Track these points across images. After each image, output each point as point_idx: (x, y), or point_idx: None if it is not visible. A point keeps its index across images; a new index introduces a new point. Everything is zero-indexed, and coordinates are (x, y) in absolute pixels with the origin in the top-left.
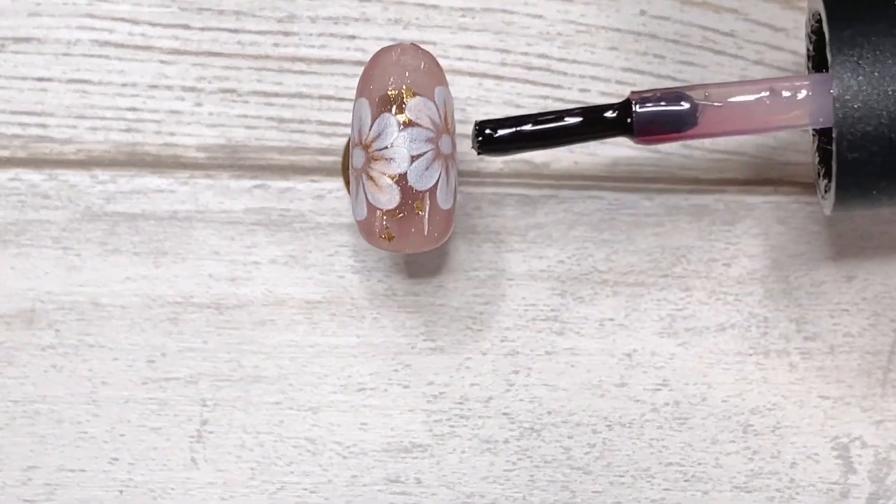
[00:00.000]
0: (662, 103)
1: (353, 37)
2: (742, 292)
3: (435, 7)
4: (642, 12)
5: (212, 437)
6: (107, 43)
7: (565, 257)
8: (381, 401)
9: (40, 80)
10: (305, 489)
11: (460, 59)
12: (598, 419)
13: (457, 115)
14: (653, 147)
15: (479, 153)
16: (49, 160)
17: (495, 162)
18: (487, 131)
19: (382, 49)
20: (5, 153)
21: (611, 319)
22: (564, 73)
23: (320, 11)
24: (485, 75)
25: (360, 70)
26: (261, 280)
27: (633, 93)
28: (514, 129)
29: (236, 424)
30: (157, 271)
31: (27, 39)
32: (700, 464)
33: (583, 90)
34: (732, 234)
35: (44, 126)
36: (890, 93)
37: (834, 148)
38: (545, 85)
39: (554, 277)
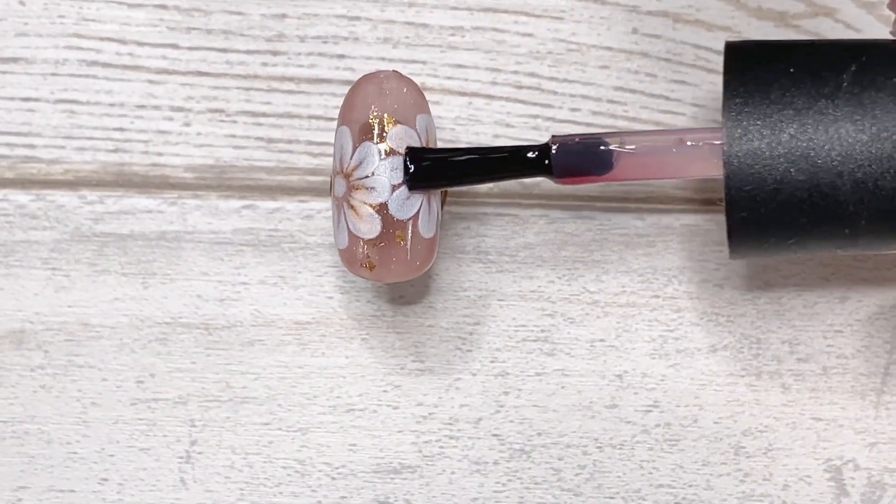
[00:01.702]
0: (579, 148)
1: (342, 56)
2: (734, 313)
3: (425, 26)
4: (634, 30)
5: (201, 457)
6: (94, 63)
7: (556, 277)
8: (371, 422)
9: (27, 100)
10: None
11: (450, 78)
12: (589, 440)
13: (447, 135)
14: None
15: (409, 189)
16: (37, 181)
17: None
18: (413, 166)
19: (364, 76)
20: None
21: (601, 340)
22: (555, 93)
23: (309, 31)
24: (475, 94)
25: (348, 90)
26: (249, 300)
27: (553, 136)
28: (440, 164)
29: (225, 445)
30: (145, 292)
31: (14, 59)
32: (691, 486)
33: (573, 109)
34: (724, 255)
35: (31, 146)
36: (776, 158)
37: (725, 205)
38: (535, 104)
39: (544, 298)
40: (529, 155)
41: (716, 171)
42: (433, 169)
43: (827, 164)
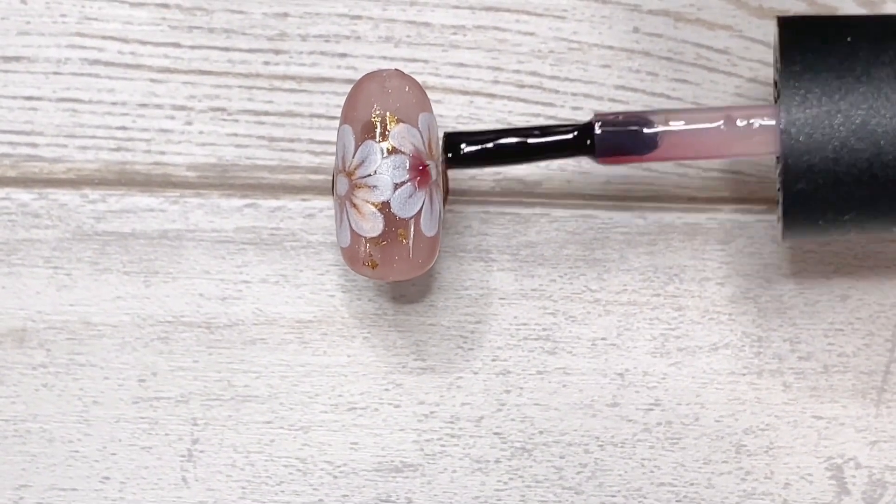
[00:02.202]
0: (624, 126)
1: (344, 55)
2: (735, 311)
3: (426, 25)
4: (635, 29)
5: (202, 456)
6: (97, 61)
7: (557, 276)
8: (372, 420)
9: (30, 98)
10: None
11: (451, 77)
12: (590, 439)
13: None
14: (646, 165)
15: (447, 168)
16: (39, 179)
17: (486, 181)
18: (458, 147)
19: (366, 75)
20: None
21: (603, 339)
22: (556, 91)
23: (311, 30)
24: (476, 93)
25: (350, 88)
26: (251, 299)
27: (596, 114)
28: (479, 147)
29: (227, 444)
30: (147, 290)
31: (17, 58)
32: (692, 484)
33: (575, 108)
34: (726, 253)
35: (34, 145)
36: (835, 126)
37: (780, 178)
38: (537, 103)
39: (546, 296)
40: (570, 135)
41: (763, 148)
42: (474, 152)
43: (889, 133)
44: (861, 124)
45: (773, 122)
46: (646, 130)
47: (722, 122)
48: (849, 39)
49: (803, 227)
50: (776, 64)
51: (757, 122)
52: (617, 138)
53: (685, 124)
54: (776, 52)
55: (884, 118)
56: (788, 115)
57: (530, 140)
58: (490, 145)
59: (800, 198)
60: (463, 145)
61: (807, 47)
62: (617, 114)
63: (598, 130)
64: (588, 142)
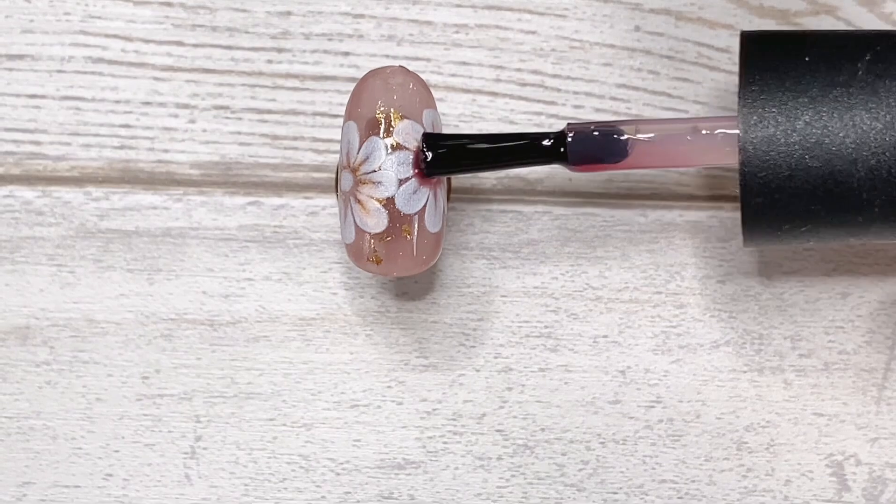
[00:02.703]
0: (595, 135)
1: (346, 53)
2: (736, 309)
3: (429, 23)
4: (637, 28)
5: (205, 453)
6: (100, 60)
7: (559, 274)
8: (375, 417)
9: (34, 97)
10: None
11: (454, 75)
12: (592, 436)
13: (450, 132)
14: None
15: (426, 175)
16: (43, 177)
17: (488, 178)
18: (432, 151)
19: (371, 72)
20: None
21: (605, 336)
22: (558, 90)
23: (314, 28)
24: (479, 92)
25: (353, 86)
26: (254, 297)
27: (568, 124)
28: (454, 152)
29: (230, 441)
30: (150, 288)
31: (20, 56)
32: (694, 481)
33: (577, 106)
34: (727, 251)
35: (37, 143)
36: (791, 144)
37: (739, 191)
38: (539, 101)
39: (548, 294)
40: (545, 142)
41: (730, 159)
42: (449, 156)
43: (841, 151)
44: (816, 143)
45: (736, 132)
46: (617, 138)
47: (689, 132)
48: (807, 59)
49: (763, 237)
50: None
51: (721, 133)
52: (588, 146)
53: (654, 134)
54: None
55: (837, 137)
56: (746, 133)
57: (505, 146)
58: (464, 150)
59: (758, 211)
60: (437, 150)
61: (765, 66)
62: (589, 123)
63: (570, 138)
64: (561, 149)
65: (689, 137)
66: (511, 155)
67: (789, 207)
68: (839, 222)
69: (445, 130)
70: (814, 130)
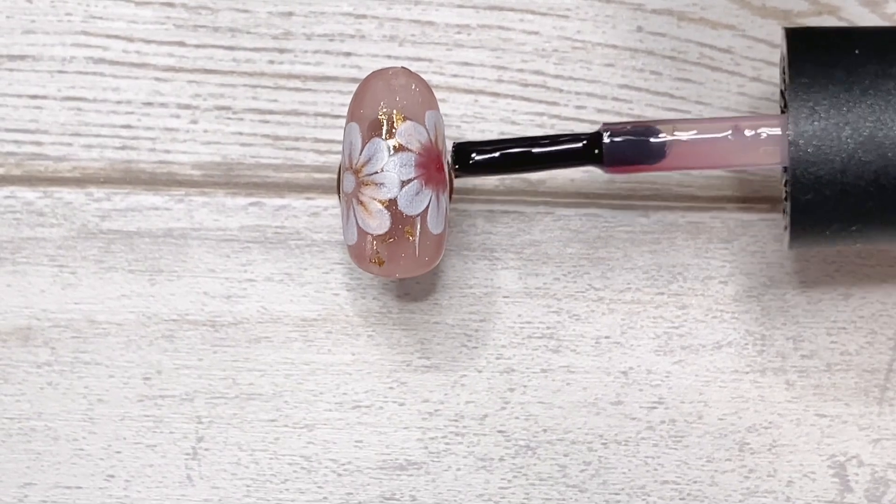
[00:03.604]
0: (632, 136)
1: (348, 54)
2: (739, 310)
3: (431, 24)
4: (639, 28)
5: (207, 454)
6: (102, 60)
7: (561, 274)
8: (377, 418)
9: (35, 97)
10: None
11: (456, 76)
12: (594, 437)
13: (452, 133)
14: None
15: (455, 176)
16: (44, 178)
17: (490, 179)
18: (467, 157)
19: (373, 73)
20: (0, 171)
21: (607, 337)
22: (560, 90)
23: (316, 28)
24: (481, 92)
25: (355, 87)
26: (256, 297)
27: (604, 124)
28: (488, 157)
29: (231, 442)
30: (152, 289)
31: (22, 57)
32: (696, 482)
33: (579, 107)
34: (729, 252)
35: (39, 143)
36: (843, 138)
37: (788, 189)
38: (541, 102)
39: (550, 295)
40: (578, 144)
41: (770, 159)
42: (483, 161)
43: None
44: (869, 136)
45: (780, 133)
46: (653, 140)
47: (730, 132)
48: (856, 52)
49: (810, 238)
50: (783, 74)
51: (765, 133)
52: (625, 148)
53: (693, 134)
54: (783, 62)
55: (891, 130)
56: (797, 127)
57: (539, 149)
58: (498, 155)
59: (808, 209)
60: (473, 155)
61: (815, 59)
62: (625, 123)
63: (606, 140)
64: (596, 151)
65: (730, 137)
66: (543, 158)
67: (840, 205)
68: (890, 221)
69: (447, 132)
70: (867, 124)
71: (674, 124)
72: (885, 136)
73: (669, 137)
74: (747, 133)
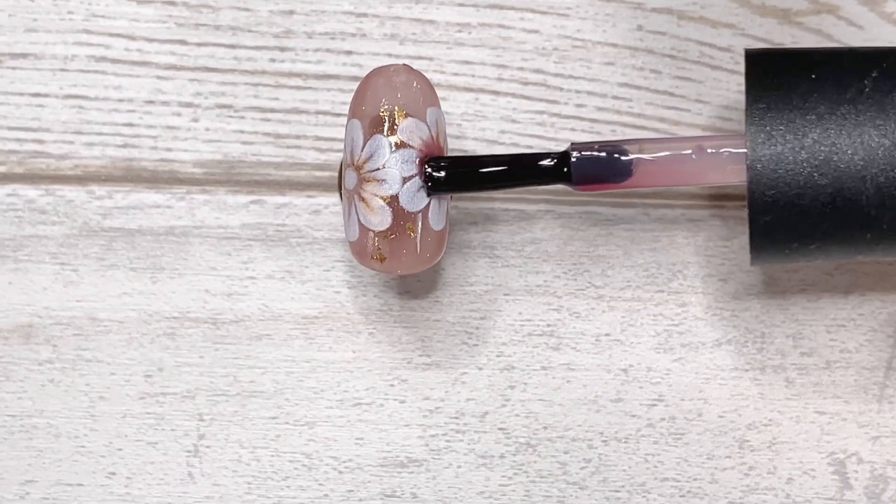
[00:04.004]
0: (599, 155)
1: (349, 52)
2: (738, 308)
3: (431, 22)
4: (639, 27)
5: (209, 451)
6: (103, 58)
7: (561, 272)
8: (377, 416)
9: (37, 95)
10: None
11: (456, 74)
12: (594, 434)
13: (453, 131)
14: None
15: (428, 195)
16: (46, 176)
17: None
18: (437, 174)
19: (374, 70)
20: (2, 168)
21: (607, 335)
22: (560, 89)
23: (317, 27)
24: (481, 90)
25: (356, 85)
26: (257, 295)
27: (572, 144)
28: (458, 174)
29: (233, 439)
30: (154, 287)
31: (24, 55)
32: (696, 479)
33: (579, 105)
34: (729, 250)
35: (40, 142)
36: (800, 162)
37: (747, 210)
38: (541, 100)
39: (550, 293)
40: (548, 163)
41: (735, 178)
42: (452, 178)
43: (850, 168)
44: (824, 160)
45: (743, 151)
46: (621, 158)
47: (693, 151)
48: (813, 76)
49: (771, 255)
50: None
51: (727, 152)
52: (592, 166)
53: (658, 154)
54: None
55: (845, 154)
56: (754, 151)
57: (509, 168)
58: (469, 173)
59: (766, 229)
60: (441, 172)
61: (772, 84)
62: (593, 143)
63: (574, 158)
64: (565, 169)
65: (693, 156)
66: (513, 176)
67: (798, 225)
68: (848, 240)
69: (448, 129)
70: (822, 148)
71: (640, 144)
72: (839, 160)
73: (636, 156)
74: (710, 151)
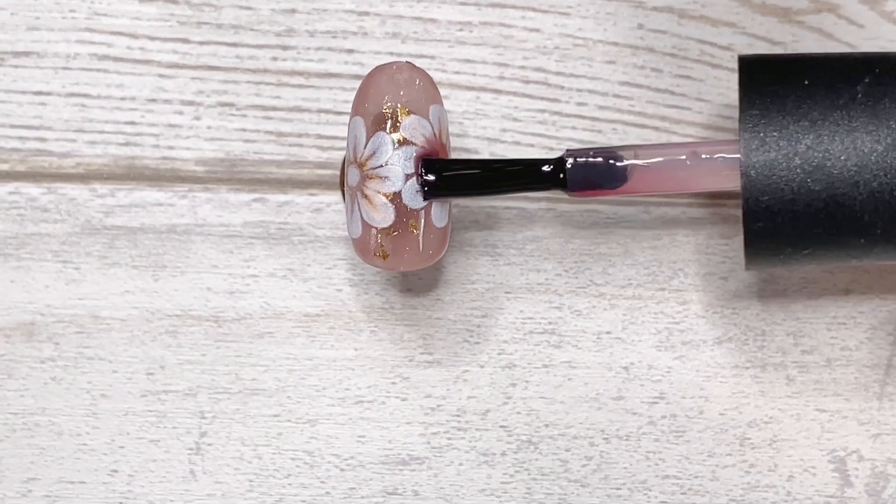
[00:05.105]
0: (595, 161)
1: (351, 51)
2: (739, 306)
3: (433, 21)
4: (640, 26)
5: (210, 449)
6: (105, 57)
7: (563, 270)
8: (379, 413)
9: (39, 93)
10: (303, 501)
11: (458, 72)
12: (596, 432)
13: (455, 129)
14: None
15: (424, 199)
16: (48, 174)
17: None
18: (431, 178)
19: (377, 67)
20: (4, 167)
21: (608, 332)
22: (562, 87)
23: (318, 25)
24: (482, 89)
25: (358, 84)
26: (259, 293)
27: (567, 150)
28: (453, 179)
29: (235, 437)
30: (155, 284)
31: (26, 53)
32: (697, 477)
33: (580, 104)
34: (730, 248)
35: (43, 140)
36: (793, 168)
37: (741, 215)
38: (542, 99)
39: (551, 290)
40: (544, 168)
41: (730, 183)
42: (448, 182)
43: (843, 174)
44: (817, 167)
45: (737, 157)
46: (616, 164)
47: (687, 158)
48: (806, 82)
49: (765, 261)
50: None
51: (720, 157)
52: (587, 172)
53: (653, 160)
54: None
55: (838, 160)
56: (748, 157)
57: (505, 173)
58: (463, 178)
59: (760, 235)
60: (434, 177)
61: (765, 91)
62: (588, 149)
63: (569, 165)
64: (561, 175)
65: (688, 162)
66: (509, 182)
67: (791, 231)
68: (841, 245)
69: (450, 127)
70: (815, 154)
71: (635, 150)
72: (833, 166)
73: (631, 162)
74: (704, 157)
